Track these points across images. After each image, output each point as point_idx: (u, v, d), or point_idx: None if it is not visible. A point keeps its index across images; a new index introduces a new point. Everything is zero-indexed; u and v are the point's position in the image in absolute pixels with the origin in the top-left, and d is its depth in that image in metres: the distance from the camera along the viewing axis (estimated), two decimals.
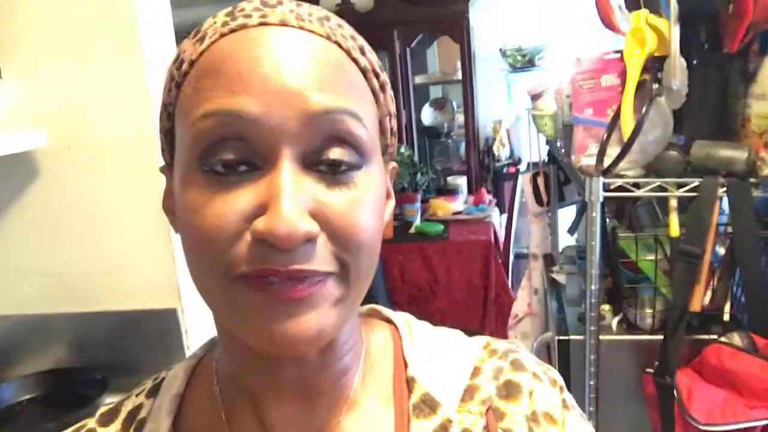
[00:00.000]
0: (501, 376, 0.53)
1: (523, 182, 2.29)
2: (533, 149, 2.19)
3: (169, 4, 1.49)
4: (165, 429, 0.52)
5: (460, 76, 3.84)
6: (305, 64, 0.42)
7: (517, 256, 3.61)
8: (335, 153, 0.42)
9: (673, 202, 1.33)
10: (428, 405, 0.51)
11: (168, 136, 0.48)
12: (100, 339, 1.62)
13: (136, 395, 0.56)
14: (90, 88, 1.45)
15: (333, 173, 0.42)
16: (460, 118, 4.02)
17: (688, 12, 1.26)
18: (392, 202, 0.54)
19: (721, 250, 1.38)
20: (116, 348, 1.60)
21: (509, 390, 0.52)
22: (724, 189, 1.27)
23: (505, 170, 3.92)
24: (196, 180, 0.42)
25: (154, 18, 1.44)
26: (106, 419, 0.55)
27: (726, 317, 1.40)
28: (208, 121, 0.41)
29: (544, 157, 2.22)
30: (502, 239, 3.32)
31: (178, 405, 0.54)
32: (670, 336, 1.31)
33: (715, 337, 1.36)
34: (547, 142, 2.09)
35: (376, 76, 0.47)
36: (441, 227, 3.05)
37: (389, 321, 0.58)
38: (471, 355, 0.55)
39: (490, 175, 4.01)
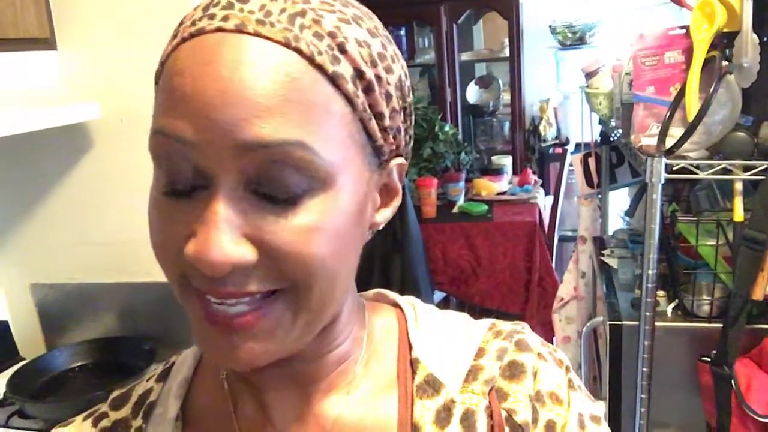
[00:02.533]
0: (505, 356, 0.52)
1: (574, 163, 2.23)
2: (585, 129, 2.13)
3: None
4: (173, 412, 0.53)
5: (506, 53, 3.76)
6: (250, 87, 0.39)
7: (561, 239, 3.54)
8: (279, 180, 0.40)
9: (739, 186, 1.28)
10: (432, 386, 0.51)
11: None
12: (149, 309, 1.65)
13: (147, 380, 0.57)
14: (144, 61, 1.44)
15: (279, 199, 0.40)
16: (505, 96, 3.95)
17: None
18: (398, 200, 0.51)
19: None
20: (165, 319, 1.62)
21: (513, 370, 0.52)
22: None
23: (551, 151, 3.84)
24: (154, 191, 0.43)
25: None
26: (118, 403, 0.56)
27: None
28: (156, 138, 0.41)
29: (596, 137, 2.15)
30: (547, 221, 3.26)
31: (186, 389, 0.55)
32: (731, 324, 1.27)
33: None
34: (601, 122, 2.03)
35: (358, 75, 0.43)
36: (485, 208, 3.00)
37: (396, 304, 0.58)
38: (476, 336, 0.55)
39: (535, 155, 3.93)
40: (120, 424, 0.54)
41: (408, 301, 0.58)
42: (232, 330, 0.42)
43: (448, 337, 0.54)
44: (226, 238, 0.39)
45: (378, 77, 0.44)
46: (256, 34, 0.40)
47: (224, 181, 0.40)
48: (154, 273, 1.62)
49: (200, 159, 0.40)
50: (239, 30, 0.40)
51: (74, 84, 1.51)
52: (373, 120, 0.45)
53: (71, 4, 1.47)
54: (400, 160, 0.50)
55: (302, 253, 0.41)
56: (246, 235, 0.40)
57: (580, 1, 3.67)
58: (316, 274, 0.42)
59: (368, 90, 0.44)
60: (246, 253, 0.40)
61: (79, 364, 1.62)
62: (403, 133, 0.49)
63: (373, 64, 0.44)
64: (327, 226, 0.42)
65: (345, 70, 0.42)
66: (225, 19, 0.41)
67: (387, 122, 0.46)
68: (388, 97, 0.46)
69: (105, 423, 0.55)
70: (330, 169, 0.41)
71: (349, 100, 0.43)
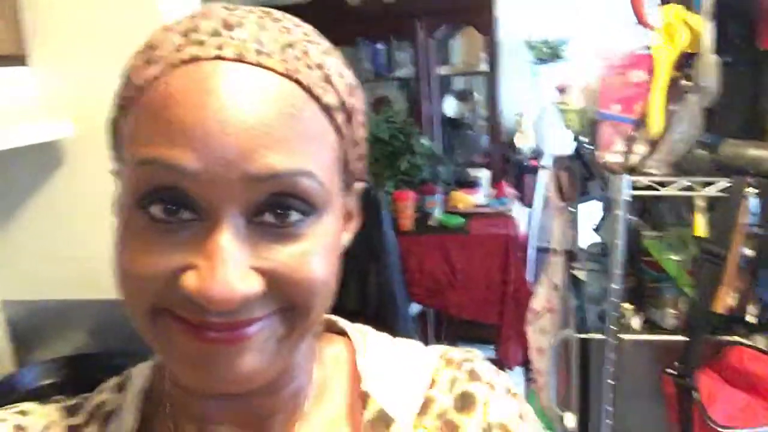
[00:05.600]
0: (456, 387, 0.52)
1: (546, 176, 2.25)
2: (558, 143, 2.16)
3: None
4: (130, 424, 0.50)
5: (483, 67, 3.81)
6: (256, 117, 0.38)
7: (540, 250, 3.57)
8: (283, 208, 0.40)
9: (700, 202, 1.31)
10: (383, 420, 0.50)
11: (114, 151, 0.46)
12: (118, 326, 1.63)
13: (101, 392, 0.54)
14: (116, 78, 1.46)
15: (280, 227, 0.40)
16: (483, 110, 3.99)
17: (721, 8, 1.23)
18: (355, 223, 0.51)
19: (750, 252, 1.35)
20: (134, 335, 1.61)
21: (464, 401, 0.51)
22: (753, 189, 1.24)
23: (527, 163, 3.89)
24: (134, 220, 0.40)
25: (181, 9, 1.44)
26: (73, 411, 0.54)
27: (751, 319, 1.38)
28: (146, 168, 0.39)
29: (570, 151, 2.18)
30: (523, 233, 3.29)
31: (142, 401, 0.52)
32: (692, 336, 1.29)
33: (738, 339, 1.33)
34: (574, 137, 2.06)
35: (342, 106, 0.43)
36: (462, 220, 3.02)
37: (344, 333, 0.56)
38: (427, 366, 0.54)
39: (513, 168, 3.97)
40: (74, 430, 0.52)
41: (357, 330, 0.56)
42: (229, 343, 0.40)
43: (399, 368, 0.53)
44: (233, 273, 0.38)
45: (353, 107, 0.45)
46: (258, 65, 0.40)
47: (228, 213, 0.38)
48: None
49: (204, 191, 0.38)
50: (239, 59, 0.39)
51: (46, 100, 1.51)
52: (352, 148, 0.46)
53: (42, 19, 1.47)
54: (361, 183, 0.51)
55: (307, 278, 0.41)
56: (251, 266, 0.39)
57: (555, 17, 3.73)
58: (317, 296, 0.42)
59: (349, 119, 0.45)
60: (254, 285, 0.39)
61: (48, 382, 1.59)
62: (365, 158, 0.50)
63: (351, 94, 0.45)
64: (324, 249, 0.42)
65: (333, 100, 0.43)
66: (220, 47, 0.40)
67: (359, 149, 0.47)
68: (361, 125, 0.47)
69: (72, 421, 0.52)
70: (326, 195, 0.42)
71: (338, 130, 0.44)
